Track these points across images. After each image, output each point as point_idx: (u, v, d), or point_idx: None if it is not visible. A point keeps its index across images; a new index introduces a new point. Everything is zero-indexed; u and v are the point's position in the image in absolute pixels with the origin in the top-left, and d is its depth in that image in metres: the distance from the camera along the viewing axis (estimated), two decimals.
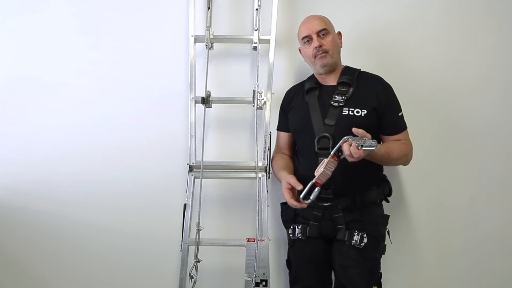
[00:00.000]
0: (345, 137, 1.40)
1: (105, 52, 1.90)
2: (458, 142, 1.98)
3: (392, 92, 1.65)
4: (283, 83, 1.89)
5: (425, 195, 1.97)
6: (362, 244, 1.52)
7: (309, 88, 1.68)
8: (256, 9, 1.77)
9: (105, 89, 1.92)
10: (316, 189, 1.44)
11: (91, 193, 1.95)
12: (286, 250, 1.91)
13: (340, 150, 1.40)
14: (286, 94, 1.80)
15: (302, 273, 1.67)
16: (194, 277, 1.66)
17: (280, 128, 1.81)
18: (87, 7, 1.88)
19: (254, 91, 1.75)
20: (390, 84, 1.67)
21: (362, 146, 1.35)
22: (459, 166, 1.98)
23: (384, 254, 1.64)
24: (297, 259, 1.69)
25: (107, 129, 1.93)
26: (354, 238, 1.54)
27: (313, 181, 1.44)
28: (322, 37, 1.63)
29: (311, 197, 1.44)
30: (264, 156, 1.82)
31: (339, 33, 1.69)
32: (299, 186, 1.53)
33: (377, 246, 1.59)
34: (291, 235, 1.69)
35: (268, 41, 1.79)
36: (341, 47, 1.68)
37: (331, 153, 1.42)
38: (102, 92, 1.92)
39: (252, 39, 1.80)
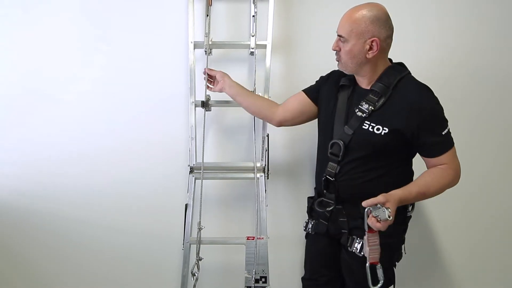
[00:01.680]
0: (366, 209, 1.30)
1: (108, 58, 1.91)
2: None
3: (432, 110, 1.39)
4: (280, 87, 1.92)
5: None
6: (362, 253, 1.42)
7: (342, 85, 1.54)
8: (253, 16, 1.80)
9: (108, 93, 1.93)
10: (378, 266, 1.34)
11: (95, 194, 1.97)
12: (284, 248, 1.97)
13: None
14: (331, 73, 1.63)
15: (309, 265, 1.70)
16: (196, 274, 1.69)
17: (305, 89, 1.67)
18: (89, 13, 1.89)
19: None
20: (435, 95, 1.41)
21: (379, 216, 1.28)
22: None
23: (397, 262, 1.56)
24: (306, 251, 1.72)
25: (111, 132, 1.95)
26: (355, 246, 1.46)
27: (368, 263, 1.34)
28: (342, 42, 1.44)
29: (380, 278, 1.34)
30: (262, 157, 1.84)
31: (374, 40, 1.38)
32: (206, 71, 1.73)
33: (381, 256, 1.44)
34: (304, 228, 1.68)
35: (264, 46, 1.80)
36: (370, 56, 1.41)
37: (365, 229, 1.32)
38: (105, 96, 1.93)
39: (249, 44, 1.82)
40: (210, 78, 1.79)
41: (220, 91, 1.76)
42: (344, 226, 1.50)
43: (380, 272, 1.34)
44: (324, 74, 1.68)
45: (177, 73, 1.91)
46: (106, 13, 1.90)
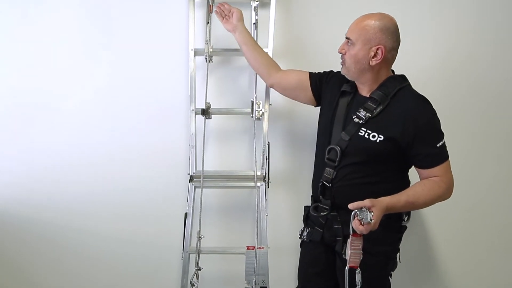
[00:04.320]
0: (353, 212, 1.31)
1: (108, 65, 1.92)
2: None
3: (429, 121, 1.41)
4: (281, 95, 1.89)
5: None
6: (344, 255, 1.42)
7: (344, 91, 1.56)
8: (254, 24, 1.80)
9: (107, 101, 1.93)
10: (357, 271, 1.33)
11: (94, 202, 1.96)
12: (285, 258, 1.94)
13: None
14: (336, 73, 1.61)
15: (303, 274, 1.68)
16: (195, 285, 1.68)
17: (311, 73, 1.67)
18: (90, 20, 1.90)
19: (252, 102, 1.79)
20: (432, 107, 1.43)
21: (362, 219, 1.29)
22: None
23: (393, 271, 1.55)
24: (300, 260, 1.70)
25: (110, 140, 1.94)
26: None
27: (347, 266, 1.34)
28: (348, 45, 1.46)
29: (357, 283, 1.34)
30: (262, 165, 1.84)
31: (379, 48, 1.41)
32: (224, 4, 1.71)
33: (375, 264, 1.46)
34: (299, 236, 1.66)
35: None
36: (373, 64, 1.42)
37: (350, 232, 1.32)
38: (105, 104, 1.93)
39: None
40: (224, 10, 1.74)
41: (230, 31, 1.74)
42: (339, 234, 1.50)
43: (358, 277, 1.33)
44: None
45: (177, 80, 1.91)
46: (107, 20, 1.91)
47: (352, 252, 1.33)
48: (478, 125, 1.99)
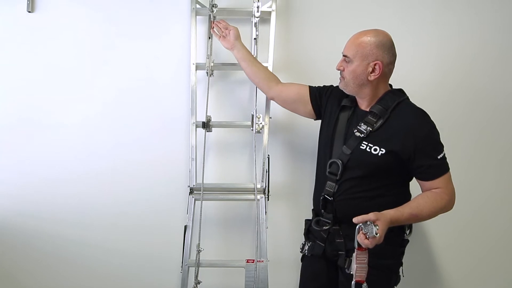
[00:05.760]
0: (357, 226, 1.30)
1: (110, 79, 1.94)
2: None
3: (429, 134, 1.43)
4: (281, 108, 1.90)
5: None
6: (350, 271, 1.39)
7: (344, 105, 1.58)
8: (254, 39, 1.84)
9: (109, 114, 1.95)
10: (364, 285, 1.32)
11: (94, 213, 1.97)
12: (284, 271, 1.92)
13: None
14: (336, 88, 1.61)
15: None
16: None
17: (311, 87, 1.68)
18: (93, 35, 1.93)
19: (252, 115, 1.81)
20: (431, 120, 1.44)
21: (367, 233, 1.28)
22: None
23: (396, 286, 1.54)
24: (301, 275, 1.68)
25: (111, 152, 1.95)
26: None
27: (353, 281, 1.32)
28: (346, 62, 1.48)
29: None
30: (262, 178, 1.84)
31: (376, 64, 1.43)
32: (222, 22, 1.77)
33: (378, 279, 1.43)
34: (300, 250, 1.65)
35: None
36: (371, 79, 1.44)
37: (355, 246, 1.32)
38: (107, 116, 1.95)
39: None
40: (221, 28, 1.79)
41: (228, 49, 1.78)
42: (341, 248, 1.50)
43: None
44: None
45: (179, 94, 1.93)
46: (110, 35, 1.94)
47: (358, 267, 1.32)
48: (478, 138, 2.00)
